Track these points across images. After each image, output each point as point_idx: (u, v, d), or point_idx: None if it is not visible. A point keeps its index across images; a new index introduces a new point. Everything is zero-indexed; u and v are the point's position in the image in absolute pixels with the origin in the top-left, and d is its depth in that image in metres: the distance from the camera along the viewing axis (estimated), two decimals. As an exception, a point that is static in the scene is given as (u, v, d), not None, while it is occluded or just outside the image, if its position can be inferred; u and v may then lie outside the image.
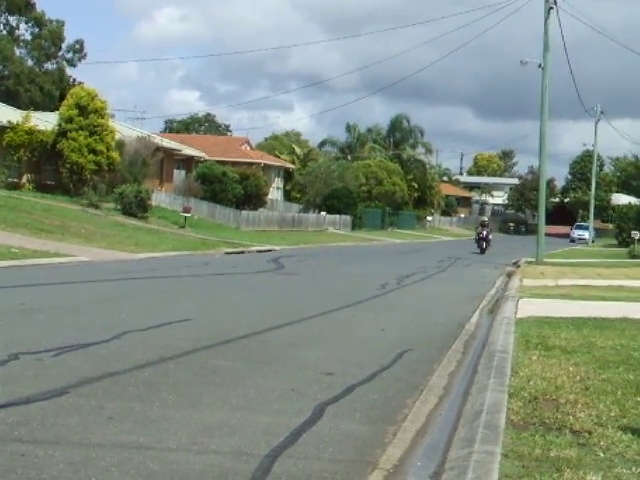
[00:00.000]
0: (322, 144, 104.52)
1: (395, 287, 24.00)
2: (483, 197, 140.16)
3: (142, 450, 6.62)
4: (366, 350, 12.43)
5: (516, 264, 36.91)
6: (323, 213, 77.82)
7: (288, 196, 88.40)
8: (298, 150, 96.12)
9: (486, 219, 53.23)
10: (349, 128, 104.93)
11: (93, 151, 51.85)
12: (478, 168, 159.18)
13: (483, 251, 48.65)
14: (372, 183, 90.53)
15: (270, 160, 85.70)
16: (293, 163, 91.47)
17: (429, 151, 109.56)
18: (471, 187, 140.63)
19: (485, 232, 49.20)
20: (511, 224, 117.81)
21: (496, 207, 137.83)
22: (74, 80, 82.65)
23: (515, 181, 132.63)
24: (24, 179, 52.93)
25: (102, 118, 53.09)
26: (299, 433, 7.42)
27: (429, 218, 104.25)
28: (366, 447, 7.19)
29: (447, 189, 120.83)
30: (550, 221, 62.71)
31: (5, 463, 6.04)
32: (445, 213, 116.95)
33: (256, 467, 6.37)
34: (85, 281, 20.75)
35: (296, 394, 8.99)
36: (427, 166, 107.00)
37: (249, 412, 8.07)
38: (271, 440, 7.11)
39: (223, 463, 6.46)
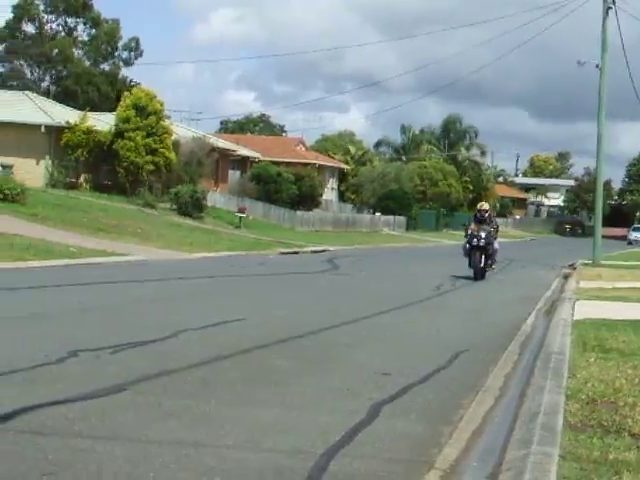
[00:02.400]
0: (377, 145, 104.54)
1: (450, 288, 23.92)
2: (539, 199, 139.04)
3: (199, 447, 6.66)
4: (421, 350, 12.41)
5: (572, 266, 36.56)
6: (378, 214, 77.70)
7: (342, 197, 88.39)
8: (353, 151, 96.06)
9: (487, 207, 28.90)
10: (404, 129, 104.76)
11: (150, 151, 52.22)
12: (534, 169, 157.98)
13: (480, 273, 26.98)
14: (427, 184, 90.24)
15: (325, 161, 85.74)
16: (347, 164, 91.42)
17: (484, 152, 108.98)
18: (527, 189, 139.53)
19: (483, 233, 26.89)
20: (567, 226, 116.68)
21: (552, 209, 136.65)
22: (130, 80, 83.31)
23: (571, 183, 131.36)
24: (81, 179, 53.45)
25: (160, 119, 53.47)
26: (355, 432, 7.42)
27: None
28: (422, 447, 7.17)
29: (502, 190, 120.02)
30: (607, 223, 61.97)
31: (66, 458, 6.11)
32: (500, 215, 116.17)
33: (312, 465, 6.38)
34: (141, 280, 20.91)
35: (352, 394, 8.99)
36: (482, 167, 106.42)
37: (305, 411, 8.09)
38: (327, 439, 7.11)
39: (279, 461, 6.48)
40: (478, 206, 29.06)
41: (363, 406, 8.36)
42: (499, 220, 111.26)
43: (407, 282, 25.19)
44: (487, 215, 27.92)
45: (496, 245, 28.01)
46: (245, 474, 6.09)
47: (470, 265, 26.98)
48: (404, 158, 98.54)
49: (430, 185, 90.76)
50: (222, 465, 6.27)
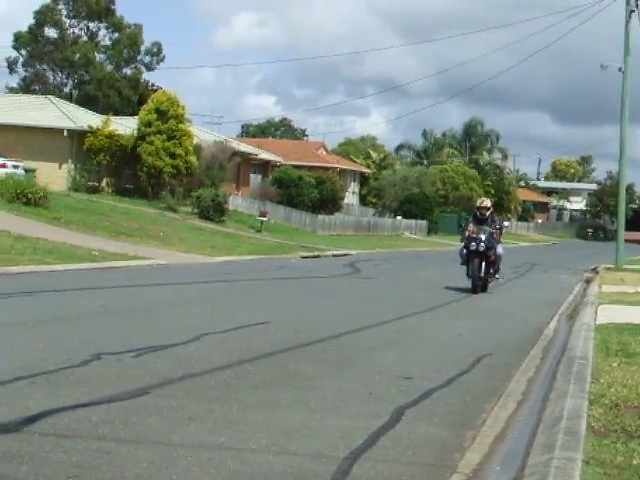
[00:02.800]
0: (398, 148, 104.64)
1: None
2: (561, 203, 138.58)
3: (222, 450, 6.67)
4: (444, 354, 12.39)
5: (594, 270, 36.41)
6: (399, 218, 77.65)
7: (364, 200, 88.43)
8: (374, 155, 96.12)
9: (488, 203, 24.09)
10: (425, 134, 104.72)
11: (171, 155, 52.40)
12: (556, 173, 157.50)
13: (481, 285, 23.10)
14: (448, 188, 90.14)
15: (346, 164, 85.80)
16: (369, 167, 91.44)
17: (505, 156, 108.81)
18: (549, 192, 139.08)
19: (484, 236, 22.73)
20: (589, 230, 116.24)
21: (574, 213, 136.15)
22: (152, 85, 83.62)
23: (593, 187, 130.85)
24: (104, 183, 53.71)
25: (180, 122, 53.64)
26: (377, 436, 7.43)
27: (506, 223, 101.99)
28: (445, 451, 7.17)
29: (524, 194, 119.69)
30: (629, 227, 61.66)
31: (90, 460, 6.14)
32: (522, 218, 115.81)
33: (335, 469, 6.39)
34: (163, 284, 20.98)
35: (374, 397, 9.00)
36: (504, 171, 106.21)
37: (327, 415, 8.10)
38: (350, 443, 7.12)
39: (302, 464, 6.48)
40: (478, 202, 24.63)
41: (386, 410, 8.36)
42: (520, 224, 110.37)
43: (429, 286, 25.15)
44: (488, 214, 23.50)
45: (500, 250, 23.76)
46: (268, 477, 6.11)
47: (468, 275, 23.00)
48: (425, 162, 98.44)
49: (451, 189, 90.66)
50: (245, 468, 6.28)
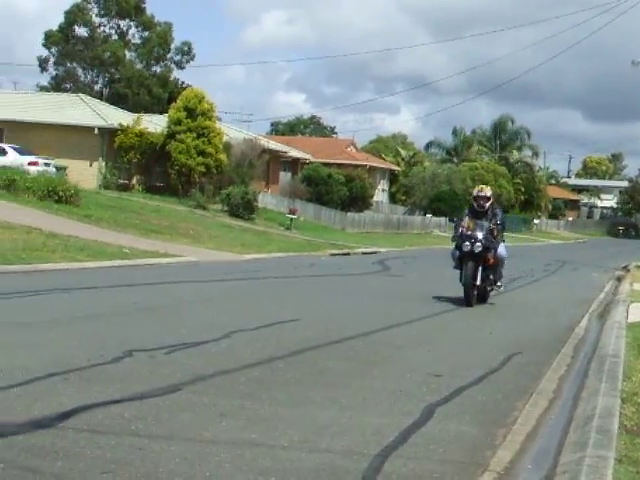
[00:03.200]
0: (428, 146, 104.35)
1: (502, 290, 23.75)
2: (592, 200, 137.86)
3: (254, 447, 6.71)
4: (474, 352, 12.38)
5: (626, 268, 36.21)
6: (429, 215, 77.52)
7: (393, 198, 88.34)
8: (403, 153, 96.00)
9: (488, 192, 19.40)
10: (455, 131, 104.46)
11: (201, 153, 52.58)
12: (587, 171, 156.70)
13: (475, 293, 18.64)
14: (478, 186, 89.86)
15: (375, 162, 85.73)
16: (398, 165, 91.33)
17: (536, 153, 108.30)
18: (579, 190, 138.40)
19: (480, 233, 18.55)
20: (620, 228, 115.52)
21: (605, 210, 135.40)
22: (182, 83, 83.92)
23: (625, 184, 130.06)
24: (134, 180, 53.98)
25: (210, 120, 53.80)
26: (408, 434, 7.44)
27: (536, 221, 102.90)
28: (476, 449, 7.17)
29: (554, 192, 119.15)
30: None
31: (124, 456, 6.19)
32: (552, 216, 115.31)
33: (367, 466, 6.41)
34: (194, 281, 21.06)
35: (404, 395, 9.01)
36: (534, 169, 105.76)
37: (358, 412, 8.12)
38: (381, 440, 7.14)
39: (334, 461, 6.51)
40: (475, 191, 19.58)
41: (416, 408, 8.38)
42: (550, 222, 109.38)
43: (458, 284, 25.08)
44: (489, 205, 19.10)
45: (501, 251, 19.18)
46: (300, 474, 6.13)
47: (462, 279, 18.53)
48: (455, 160, 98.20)
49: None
50: (277, 465, 6.32)
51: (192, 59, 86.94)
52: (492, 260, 18.69)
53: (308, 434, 7.20)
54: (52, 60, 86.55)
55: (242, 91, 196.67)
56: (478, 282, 18.45)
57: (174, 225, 39.59)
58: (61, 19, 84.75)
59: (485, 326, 15.47)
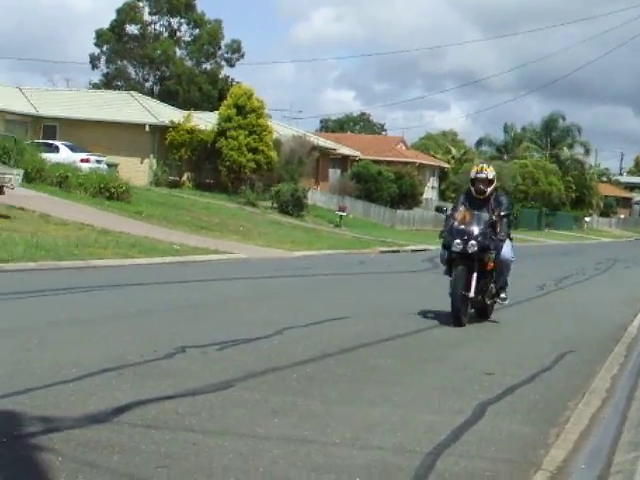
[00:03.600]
0: (479, 143, 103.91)
1: (553, 288, 23.66)
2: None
3: (306, 443, 6.74)
4: (526, 350, 12.34)
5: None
6: (478, 213, 77.16)
7: (443, 196, 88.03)
8: (454, 151, 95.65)
9: (490, 174, 14.58)
10: (506, 128, 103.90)
11: (252, 150, 52.76)
12: (639, 168, 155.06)
13: (465, 309, 14.07)
14: (528, 183, 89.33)
15: (425, 159, 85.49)
16: (448, 163, 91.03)
17: (587, 150, 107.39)
18: (632, 187, 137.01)
19: (477, 227, 14.10)
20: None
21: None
22: (232, 80, 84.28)
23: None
24: (184, 177, 54.32)
25: (260, 117, 53.98)
26: (460, 432, 7.44)
27: (587, 219, 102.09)
28: (529, 448, 7.15)
29: (606, 189, 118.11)
30: None
31: (179, 451, 6.25)
32: (604, 214, 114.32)
33: (419, 464, 6.42)
34: (244, 278, 21.15)
35: (456, 393, 9.00)
36: (585, 166, 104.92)
37: (410, 409, 8.12)
38: (433, 438, 7.14)
39: (386, 458, 6.52)
40: (473, 171, 14.85)
41: (468, 406, 8.37)
42: (602, 220, 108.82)
43: (510, 282, 24.92)
44: (490, 191, 14.59)
45: (506, 252, 14.94)
46: (353, 471, 6.15)
47: (452, 288, 14.03)
48: (505, 157, 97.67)
49: (531, 184, 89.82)
50: (329, 462, 6.34)
51: (242, 57, 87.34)
52: (491, 264, 14.40)
53: (360, 431, 7.22)
54: (103, 58, 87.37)
55: (291, 88, 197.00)
56: (472, 294, 13.94)
57: (224, 222, 39.78)
58: (113, 17, 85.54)
59: (537, 324, 15.41)
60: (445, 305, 14.56)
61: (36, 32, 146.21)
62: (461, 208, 14.54)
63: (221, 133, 53.37)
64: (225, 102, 55.19)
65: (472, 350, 12.14)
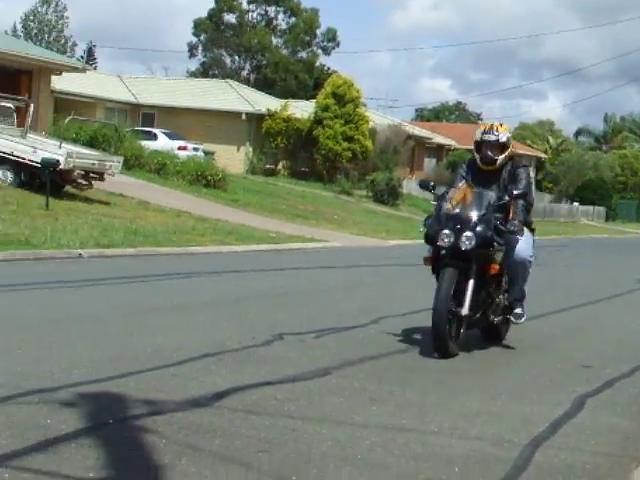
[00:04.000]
0: (577, 133, 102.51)
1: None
2: None
3: (404, 432, 6.76)
4: (625, 343, 12.16)
5: None
6: (576, 204, 76.19)
7: (539, 186, 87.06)
8: (552, 141, 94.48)
9: (502, 135, 10.16)
10: (607, 118, 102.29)
11: (348, 139, 52.83)
12: None
13: (450, 332, 9.56)
14: (627, 174, 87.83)
15: (522, 149, 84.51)
16: (545, 153, 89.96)
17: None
18: None
19: (475, 213, 9.56)
20: None
21: None
22: (328, 69, 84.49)
23: None
24: (280, 165, 54.62)
25: (357, 107, 54.04)
26: (559, 424, 7.38)
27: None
28: (629, 442, 7.06)
29: None
30: None
31: (278, 436, 6.32)
32: None
33: (517, 455, 6.38)
34: (339, 266, 21.23)
35: (554, 385, 8.93)
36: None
37: (508, 400, 8.08)
38: (531, 429, 7.10)
39: (484, 449, 6.51)
40: (478, 132, 10.41)
41: (567, 398, 8.30)
42: None
43: (608, 274, 24.64)
44: (503, 160, 10.35)
45: (522, 249, 10.59)
46: (451, 460, 6.15)
47: (437, 299, 9.75)
48: (604, 147, 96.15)
49: (630, 174, 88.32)
50: (427, 450, 6.35)
51: (337, 45, 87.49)
52: (496, 267, 10.10)
53: (458, 421, 7.21)
54: (200, 47, 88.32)
55: (387, 77, 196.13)
56: (465, 310, 9.74)
57: (319, 210, 39.94)
58: (211, 6, 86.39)
59: (635, 317, 15.16)
60: (541, 297, 14.43)
61: (136, 22, 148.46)
62: (460, 184, 10.25)
63: (318, 122, 53.54)
64: (323, 91, 55.34)
65: (569, 342, 12.04)
